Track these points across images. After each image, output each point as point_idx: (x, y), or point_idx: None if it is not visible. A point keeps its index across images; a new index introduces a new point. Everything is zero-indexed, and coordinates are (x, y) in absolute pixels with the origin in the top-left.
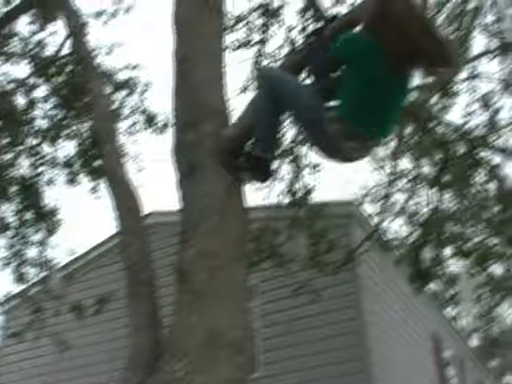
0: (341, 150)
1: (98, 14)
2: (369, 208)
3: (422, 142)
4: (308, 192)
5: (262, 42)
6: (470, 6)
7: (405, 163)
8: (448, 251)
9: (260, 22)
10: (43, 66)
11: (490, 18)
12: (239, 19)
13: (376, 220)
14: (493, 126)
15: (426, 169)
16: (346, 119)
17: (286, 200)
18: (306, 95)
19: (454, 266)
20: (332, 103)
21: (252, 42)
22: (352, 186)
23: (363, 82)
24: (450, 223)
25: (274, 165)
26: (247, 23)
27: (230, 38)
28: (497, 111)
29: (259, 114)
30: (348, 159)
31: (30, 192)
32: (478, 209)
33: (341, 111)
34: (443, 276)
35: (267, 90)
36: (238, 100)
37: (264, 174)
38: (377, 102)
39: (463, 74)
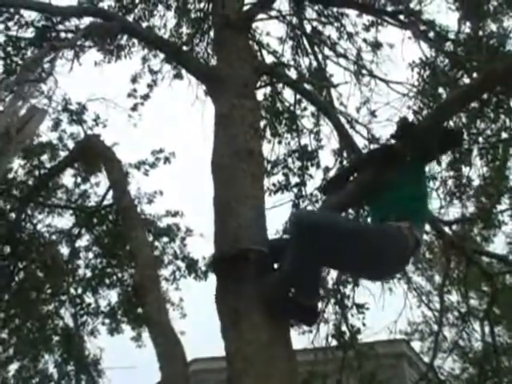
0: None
1: (139, 165)
2: (419, 346)
3: (468, 274)
4: (355, 333)
5: (301, 184)
6: (504, 135)
7: (453, 297)
8: None
9: (297, 164)
10: (86, 217)
11: None
12: (277, 163)
13: (427, 358)
14: None
15: (475, 302)
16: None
17: (334, 342)
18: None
19: None
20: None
21: (291, 185)
22: (400, 324)
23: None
24: (506, 358)
25: (319, 305)
26: (285, 167)
27: (269, 182)
28: None
29: (298, 263)
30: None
31: (72, 342)
32: None
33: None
34: None
35: (304, 238)
36: None
37: (312, 317)
38: None
39: (504, 205)
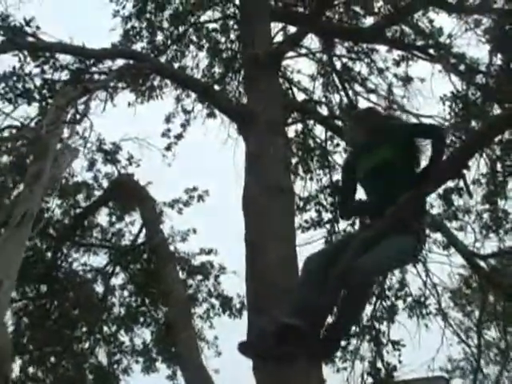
0: None
1: (173, 203)
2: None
3: (507, 309)
4: (391, 370)
5: (333, 220)
6: None
7: (493, 333)
8: None
9: (329, 200)
10: (120, 255)
11: None
12: (309, 199)
13: None
14: None
15: None
16: None
17: (369, 380)
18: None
19: None
20: None
21: (323, 221)
22: (439, 361)
23: None
24: None
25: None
26: (317, 203)
27: (301, 218)
28: None
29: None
30: None
31: (106, 381)
32: None
33: None
34: None
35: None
36: None
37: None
38: None
39: None
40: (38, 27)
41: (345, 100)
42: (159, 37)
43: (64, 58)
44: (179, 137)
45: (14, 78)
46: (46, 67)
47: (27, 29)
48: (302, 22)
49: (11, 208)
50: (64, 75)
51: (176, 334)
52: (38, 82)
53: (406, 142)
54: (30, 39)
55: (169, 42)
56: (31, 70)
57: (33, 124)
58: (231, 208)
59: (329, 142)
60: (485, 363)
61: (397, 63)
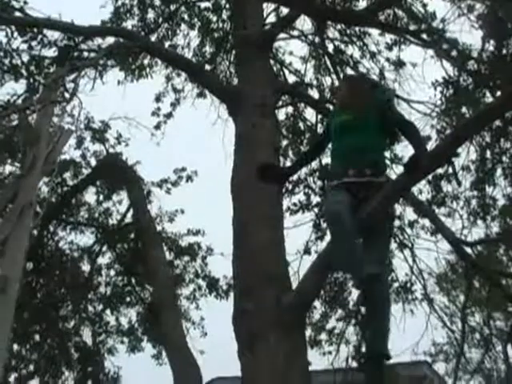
0: None
1: (161, 183)
2: (442, 367)
3: (492, 296)
4: None
5: (322, 203)
6: None
7: (477, 318)
8: None
9: (319, 184)
10: (107, 234)
11: None
12: (298, 182)
13: (451, 381)
14: None
15: (501, 323)
16: None
17: (354, 363)
18: None
19: None
20: None
21: (312, 205)
22: (424, 345)
23: None
24: None
25: None
26: (306, 186)
27: (290, 201)
28: None
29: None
30: None
31: (91, 360)
32: None
33: None
34: None
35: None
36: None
37: None
38: None
39: None
40: (25, 2)
41: (336, 83)
42: (150, 15)
43: (52, 35)
44: (169, 116)
45: (1, 54)
46: (33, 43)
47: (14, 3)
48: (295, 3)
49: (8, 196)
50: (52, 52)
51: (161, 314)
52: (25, 58)
53: (385, 118)
54: (18, 14)
55: (160, 20)
56: (18, 45)
57: (20, 101)
58: (220, 189)
59: (319, 125)
60: (468, 348)
61: (389, 47)
